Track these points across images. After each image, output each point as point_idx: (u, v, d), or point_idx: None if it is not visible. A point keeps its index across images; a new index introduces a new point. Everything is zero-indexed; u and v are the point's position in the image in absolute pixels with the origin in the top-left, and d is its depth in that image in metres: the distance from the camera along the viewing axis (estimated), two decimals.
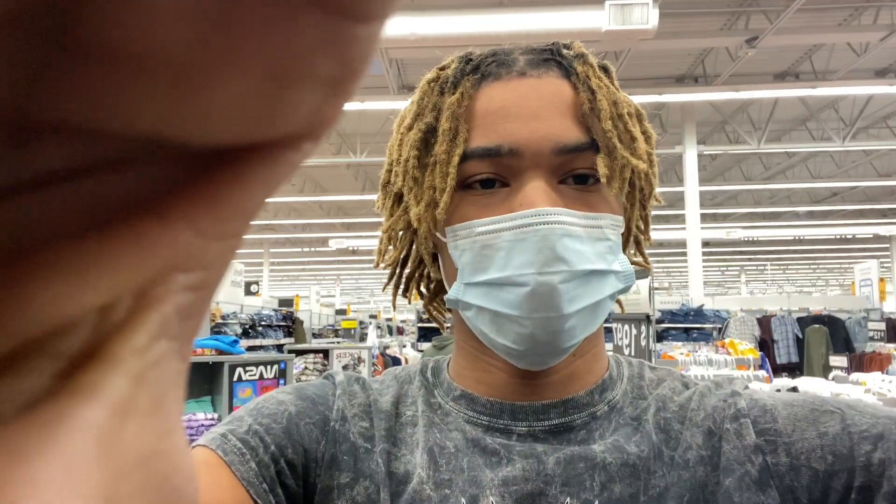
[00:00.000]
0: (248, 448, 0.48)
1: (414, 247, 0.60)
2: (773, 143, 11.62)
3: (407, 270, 0.62)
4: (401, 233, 0.59)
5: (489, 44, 0.56)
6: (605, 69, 0.55)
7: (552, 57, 0.53)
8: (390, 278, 0.63)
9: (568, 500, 0.49)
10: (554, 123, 0.50)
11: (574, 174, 0.50)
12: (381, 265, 0.62)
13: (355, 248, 20.05)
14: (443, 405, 0.56)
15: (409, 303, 0.66)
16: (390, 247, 0.61)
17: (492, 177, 0.50)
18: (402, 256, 0.62)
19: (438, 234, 0.54)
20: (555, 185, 0.50)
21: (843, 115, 10.94)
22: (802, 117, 11.41)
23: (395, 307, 0.62)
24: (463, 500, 0.49)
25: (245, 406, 0.54)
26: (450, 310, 0.60)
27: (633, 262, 0.59)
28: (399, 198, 0.57)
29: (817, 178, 14.04)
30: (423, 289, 0.64)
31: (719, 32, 8.22)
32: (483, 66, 0.53)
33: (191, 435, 3.53)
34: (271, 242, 22.29)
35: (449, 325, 0.67)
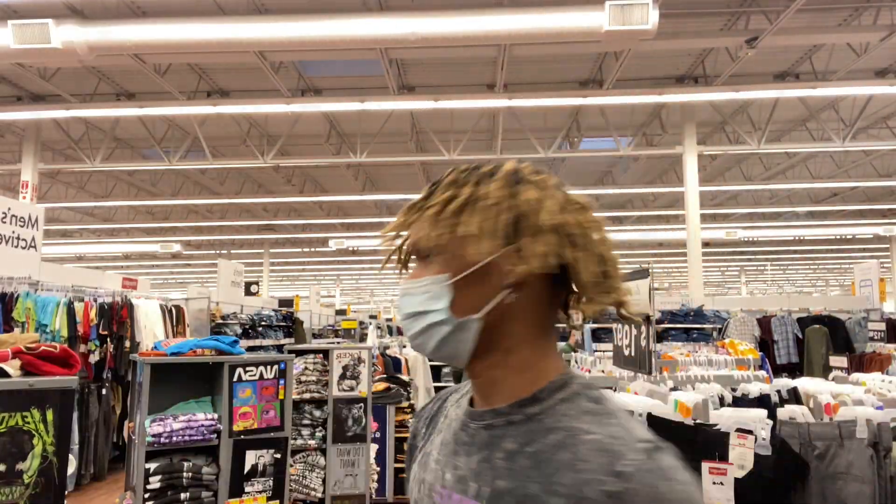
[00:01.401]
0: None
1: None
2: (773, 144, 11.62)
3: None
4: None
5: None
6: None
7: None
8: None
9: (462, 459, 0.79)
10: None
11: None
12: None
13: (355, 248, 20.03)
14: (459, 404, 0.89)
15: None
16: None
17: None
18: None
19: None
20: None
21: (843, 116, 10.95)
22: (802, 117, 11.41)
23: None
24: (433, 452, 0.84)
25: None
26: None
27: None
28: None
29: (817, 179, 14.05)
30: None
31: (719, 32, 8.23)
32: None
33: (191, 435, 3.55)
34: (271, 242, 22.28)
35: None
